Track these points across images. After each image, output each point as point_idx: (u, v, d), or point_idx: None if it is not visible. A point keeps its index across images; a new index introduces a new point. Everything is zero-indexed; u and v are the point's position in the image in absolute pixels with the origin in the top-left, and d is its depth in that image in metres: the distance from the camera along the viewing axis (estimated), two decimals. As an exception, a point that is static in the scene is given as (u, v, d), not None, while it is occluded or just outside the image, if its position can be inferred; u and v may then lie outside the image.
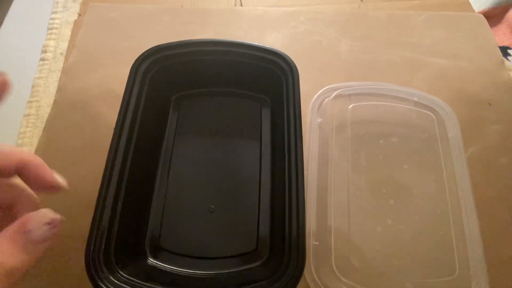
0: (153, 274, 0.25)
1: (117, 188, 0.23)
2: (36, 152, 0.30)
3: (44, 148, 0.30)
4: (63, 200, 0.28)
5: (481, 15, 0.40)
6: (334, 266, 0.24)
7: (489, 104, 0.34)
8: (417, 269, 0.25)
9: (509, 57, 0.39)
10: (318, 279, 0.25)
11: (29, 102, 0.34)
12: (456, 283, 0.24)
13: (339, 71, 0.36)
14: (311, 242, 0.26)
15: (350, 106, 0.32)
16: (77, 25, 0.39)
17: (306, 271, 0.25)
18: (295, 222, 0.22)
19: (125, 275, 0.21)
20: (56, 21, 0.40)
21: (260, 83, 0.32)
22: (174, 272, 0.25)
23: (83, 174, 0.29)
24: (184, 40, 0.29)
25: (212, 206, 0.28)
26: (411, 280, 0.24)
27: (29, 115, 0.33)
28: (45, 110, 0.33)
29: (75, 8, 0.40)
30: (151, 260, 0.26)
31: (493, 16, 0.41)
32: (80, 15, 0.40)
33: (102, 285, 0.20)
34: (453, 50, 0.37)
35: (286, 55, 0.29)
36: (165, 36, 0.37)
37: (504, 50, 0.40)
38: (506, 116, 0.34)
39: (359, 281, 0.24)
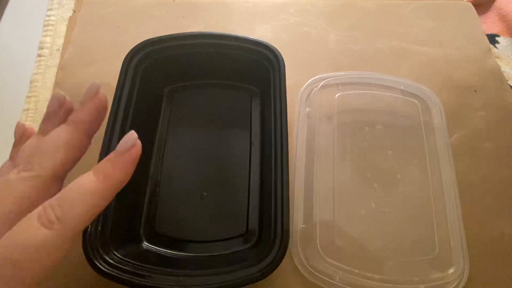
0: (148, 257, 0.26)
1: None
2: (36, 144, 0.32)
3: (43, 141, 0.32)
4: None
5: (469, 3, 0.41)
6: (319, 247, 0.26)
7: (475, 91, 0.35)
8: (398, 249, 0.26)
9: (497, 45, 0.40)
10: (304, 259, 0.26)
11: (28, 97, 0.35)
12: (436, 261, 0.26)
13: (328, 61, 0.37)
14: (299, 225, 0.27)
15: (337, 95, 0.32)
16: (72, 21, 0.40)
17: (293, 253, 0.27)
18: (280, 208, 0.24)
19: (120, 255, 0.23)
20: (52, 17, 0.41)
21: (249, 75, 0.33)
22: (168, 255, 0.27)
23: (80, 165, 0.30)
24: (174, 34, 0.30)
25: (205, 193, 0.29)
26: (393, 259, 0.26)
27: (28, 109, 0.35)
28: (44, 105, 0.35)
29: (70, 4, 0.41)
30: (146, 244, 0.27)
31: (481, 4, 0.42)
32: (75, 11, 0.41)
33: (98, 264, 0.21)
34: (440, 39, 0.38)
35: (272, 46, 0.30)
36: (158, 31, 0.38)
37: (492, 37, 0.40)
38: (491, 102, 0.34)
39: (343, 261, 0.26)
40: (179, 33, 0.30)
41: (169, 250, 0.27)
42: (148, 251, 0.27)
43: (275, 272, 0.22)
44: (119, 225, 0.25)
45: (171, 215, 0.28)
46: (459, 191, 0.28)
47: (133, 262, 0.23)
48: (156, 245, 0.27)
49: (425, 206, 0.27)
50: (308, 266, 0.26)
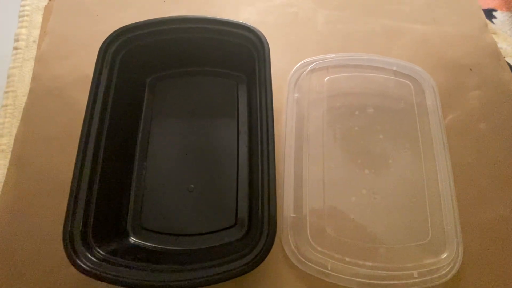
0: (136, 252, 0.25)
1: (92, 171, 0.24)
2: (15, 142, 0.31)
3: (22, 138, 0.31)
4: (43, 186, 0.28)
5: (465, -24, 0.39)
6: (309, 236, 0.25)
7: (470, 69, 0.34)
8: (390, 235, 0.26)
9: (494, 20, 0.38)
10: (295, 249, 0.26)
11: (6, 92, 0.34)
12: (430, 247, 0.25)
13: (317, 43, 0.35)
14: (289, 214, 0.27)
15: (326, 79, 0.31)
16: (47, 10, 0.38)
17: (284, 243, 0.26)
18: (266, 199, 0.23)
19: (103, 252, 0.22)
20: (27, 7, 0.39)
21: (234, 60, 0.31)
22: (156, 249, 0.26)
23: (62, 161, 0.29)
24: (152, 19, 0.29)
25: (192, 186, 0.28)
26: (385, 246, 0.25)
27: (6, 105, 0.33)
28: (22, 100, 0.33)
29: (45, -7, 0.39)
30: (133, 239, 0.26)
31: (478, -23, 0.40)
32: (50, 0, 0.39)
33: (79, 262, 0.21)
34: (434, 15, 0.36)
35: (256, 28, 0.28)
36: (138, 17, 0.35)
37: (489, 12, 0.38)
38: (487, 80, 0.33)
39: (334, 249, 0.25)
40: (156, 19, 0.29)
41: (157, 244, 0.26)
42: (135, 246, 0.26)
43: (266, 262, 0.22)
44: (103, 222, 0.24)
45: (158, 209, 0.28)
46: (453, 174, 0.27)
47: (119, 259, 0.23)
48: (143, 240, 0.26)
49: (418, 191, 0.27)
50: (299, 256, 0.25)
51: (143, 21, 0.28)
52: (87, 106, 0.25)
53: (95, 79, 0.26)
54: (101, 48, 0.27)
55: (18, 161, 0.30)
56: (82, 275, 0.21)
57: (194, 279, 0.20)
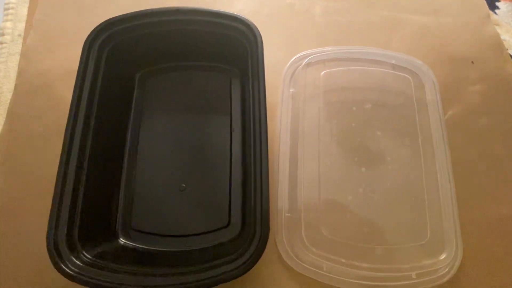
0: (125, 255, 0.25)
1: (77, 172, 0.23)
2: (0, 140, 0.29)
3: (8, 136, 0.29)
4: (29, 185, 0.27)
5: (468, -35, 0.37)
6: (303, 237, 0.24)
7: (472, 62, 0.32)
8: (387, 235, 0.25)
9: (496, 10, 0.37)
10: (289, 249, 0.25)
11: (-10, 88, 0.33)
12: (428, 247, 0.24)
13: (314, 36, 0.34)
14: (283, 214, 0.26)
15: (323, 73, 0.30)
16: (33, 2, 0.36)
17: (278, 242, 0.25)
18: (259, 197, 0.22)
19: (89, 256, 0.21)
20: (12, 0, 0.37)
21: (227, 53, 0.30)
22: (146, 251, 0.25)
23: (48, 160, 0.28)
24: (139, 11, 0.27)
25: (183, 185, 0.28)
26: (382, 246, 0.24)
27: (-9, 102, 0.32)
28: (7, 96, 0.32)
29: (30, -16, 0.38)
30: (123, 241, 0.26)
31: (481, -34, 0.38)
32: (35, -9, 0.37)
33: (64, 267, 0.20)
34: (435, 6, 0.35)
35: (248, 20, 0.27)
36: (128, 9, 0.34)
37: (492, 2, 0.37)
38: (489, 74, 0.32)
39: (329, 250, 0.24)
40: (144, 10, 0.27)
41: (147, 246, 0.26)
42: (125, 248, 0.25)
43: (260, 263, 0.21)
44: (91, 223, 0.23)
45: (149, 209, 0.27)
46: (453, 172, 0.27)
47: (107, 262, 0.22)
48: (133, 241, 0.26)
49: (416, 189, 0.26)
50: (293, 257, 0.25)
51: (130, 13, 0.27)
52: (71, 103, 0.24)
53: (79, 75, 0.25)
54: (85, 42, 0.26)
55: (3, 159, 0.29)
56: (65, 281, 0.20)
57: (185, 283, 0.20)
